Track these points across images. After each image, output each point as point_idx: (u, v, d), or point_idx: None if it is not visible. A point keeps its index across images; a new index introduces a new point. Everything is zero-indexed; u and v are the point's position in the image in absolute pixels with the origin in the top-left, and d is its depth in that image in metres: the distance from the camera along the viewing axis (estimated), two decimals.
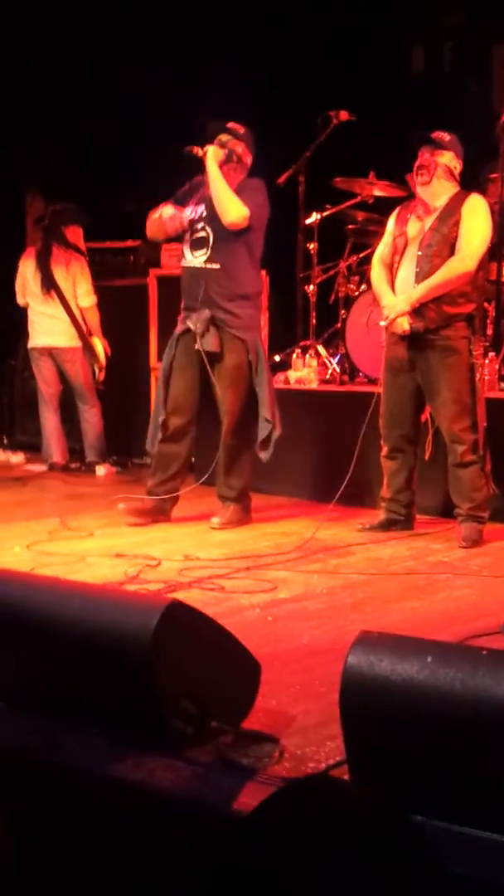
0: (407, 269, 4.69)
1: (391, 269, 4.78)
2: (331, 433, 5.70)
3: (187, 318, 5.00)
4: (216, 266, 4.92)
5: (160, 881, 2.19)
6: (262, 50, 7.53)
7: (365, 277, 6.23)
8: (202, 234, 4.96)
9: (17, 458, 7.23)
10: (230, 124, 5.02)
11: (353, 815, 1.23)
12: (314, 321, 6.40)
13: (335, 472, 5.22)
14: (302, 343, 6.41)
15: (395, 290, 4.73)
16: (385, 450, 4.90)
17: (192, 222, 5.01)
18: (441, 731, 1.97)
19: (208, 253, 4.93)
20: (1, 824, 1.08)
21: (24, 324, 6.97)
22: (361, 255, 6.38)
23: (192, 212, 5.02)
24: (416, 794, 2.01)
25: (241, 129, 5.03)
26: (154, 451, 5.13)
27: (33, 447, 7.20)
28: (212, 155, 4.89)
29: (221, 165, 4.90)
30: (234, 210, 4.83)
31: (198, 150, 4.92)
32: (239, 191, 4.90)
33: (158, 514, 5.11)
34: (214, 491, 5.22)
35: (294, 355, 6.29)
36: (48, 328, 6.77)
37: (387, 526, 4.91)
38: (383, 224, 5.20)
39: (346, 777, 2.19)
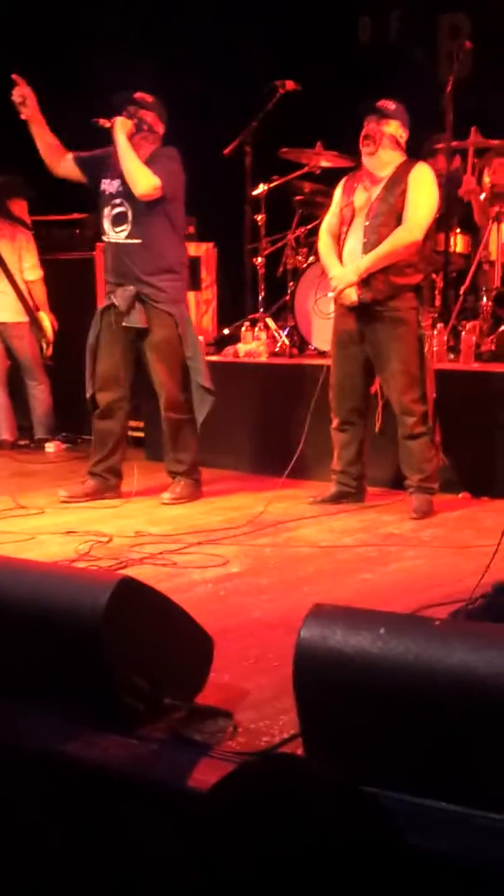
0: (354, 240, 4.67)
1: (338, 240, 4.76)
2: (280, 406, 5.68)
3: (111, 294, 4.97)
4: (137, 241, 4.87)
5: (116, 860, 2.17)
6: (207, 18, 7.43)
7: (313, 249, 6.19)
8: (121, 208, 4.90)
9: None
10: (137, 94, 4.94)
11: (311, 793, 1.23)
12: (263, 293, 6.37)
13: (285, 446, 5.22)
14: (251, 316, 6.38)
15: (342, 260, 4.72)
16: (335, 422, 4.89)
17: (111, 196, 4.95)
18: (394, 703, 1.97)
19: (128, 228, 4.88)
20: None
21: None
22: (309, 227, 6.33)
23: (108, 185, 4.96)
24: (371, 766, 2.01)
25: (149, 99, 4.96)
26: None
27: None
28: (119, 126, 4.82)
29: (131, 136, 4.83)
30: (143, 181, 4.78)
31: (104, 122, 4.87)
32: (151, 160, 4.84)
33: (105, 491, 5.08)
34: (164, 466, 5.20)
35: (243, 328, 6.25)
36: None
37: (338, 498, 4.91)
38: (331, 195, 5.17)
39: (299, 750, 2.19)
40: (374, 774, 2.00)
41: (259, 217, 6.37)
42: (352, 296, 4.64)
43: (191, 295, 6.81)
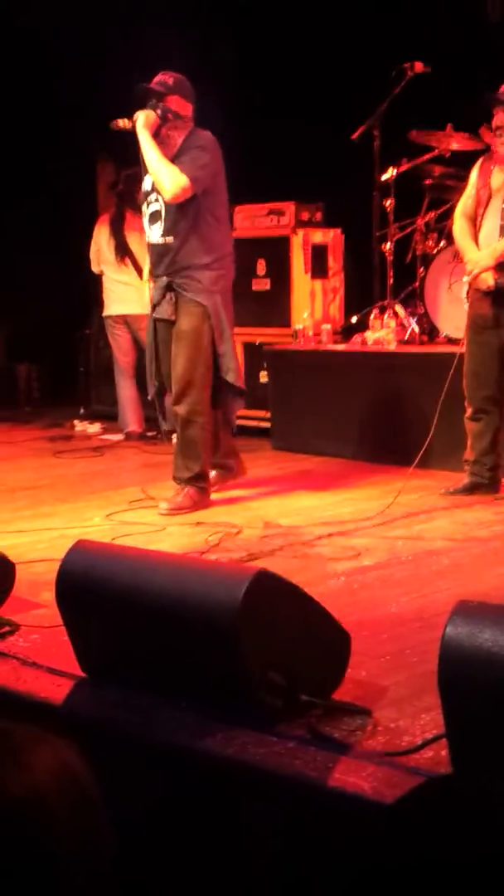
0: (491, 223, 4.54)
1: (474, 223, 4.63)
2: (410, 395, 5.57)
3: (152, 289, 4.79)
4: (171, 239, 4.59)
5: (253, 857, 2.13)
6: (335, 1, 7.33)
7: (444, 234, 6.05)
8: (155, 206, 4.64)
9: (93, 427, 7.21)
10: (156, 81, 4.58)
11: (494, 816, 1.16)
12: (391, 280, 6.25)
13: (416, 435, 5.11)
14: (379, 303, 6.27)
15: (478, 244, 4.58)
16: (469, 411, 4.76)
17: (147, 194, 4.70)
18: None
19: (163, 225, 4.62)
20: (101, 810, 1.02)
21: (99, 293, 6.92)
22: (439, 211, 6.19)
23: (145, 182, 4.72)
24: None
25: (170, 80, 4.58)
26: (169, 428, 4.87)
27: (110, 416, 7.18)
28: (141, 123, 4.50)
29: (158, 130, 4.53)
30: (171, 184, 4.46)
31: (125, 123, 4.58)
32: (182, 152, 4.53)
33: (227, 479, 4.94)
34: (293, 456, 5.13)
35: (371, 316, 6.16)
36: (123, 296, 6.71)
37: (471, 489, 4.78)
38: (462, 178, 5.03)
39: (443, 752, 2.11)
40: None
41: (388, 202, 6.24)
42: (488, 280, 4.51)
43: (317, 283, 6.76)
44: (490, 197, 4.56)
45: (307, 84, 7.33)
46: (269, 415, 6.37)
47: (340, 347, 6.27)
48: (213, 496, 4.86)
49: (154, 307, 4.75)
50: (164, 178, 4.49)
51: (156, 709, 2.37)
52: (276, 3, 7.54)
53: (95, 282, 6.97)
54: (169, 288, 4.61)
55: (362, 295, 6.73)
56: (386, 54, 6.46)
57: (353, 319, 6.49)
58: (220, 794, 2.20)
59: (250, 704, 2.30)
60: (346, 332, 6.49)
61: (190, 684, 2.41)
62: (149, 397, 4.90)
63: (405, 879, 1.10)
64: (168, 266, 4.62)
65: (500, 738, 1.92)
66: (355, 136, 6.15)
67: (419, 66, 6.20)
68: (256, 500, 4.88)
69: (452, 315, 5.69)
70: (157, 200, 4.63)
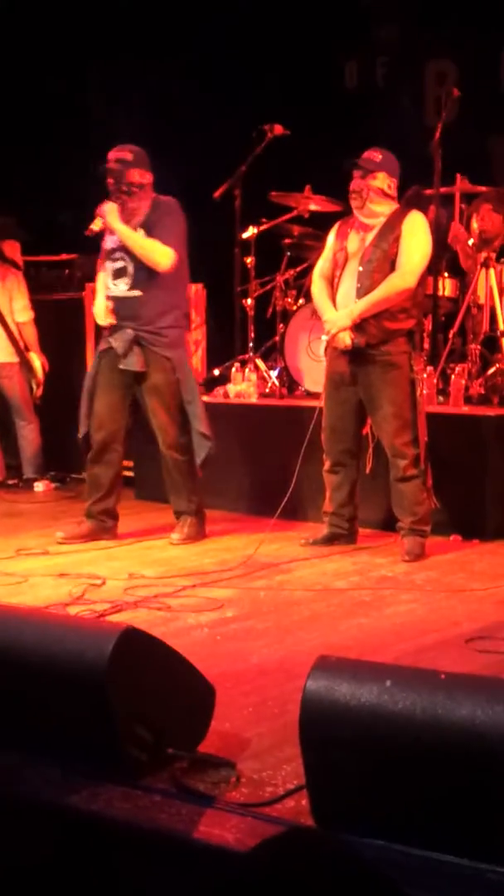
0: (348, 284, 4.72)
1: (332, 284, 4.80)
2: (271, 447, 5.70)
3: (110, 336, 4.97)
4: (138, 293, 4.89)
5: None
6: (194, 61, 7.53)
7: (302, 291, 6.26)
8: (121, 263, 4.91)
9: None
10: (114, 156, 4.84)
11: (329, 869, 1.24)
12: (252, 335, 6.41)
13: (276, 487, 5.22)
14: (240, 357, 6.42)
15: (336, 304, 4.76)
16: (327, 464, 4.92)
17: (111, 252, 4.96)
18: (401, 756, 1.98)
19: (129, 281, 4.90)
20: None
21: None
22: (298, 269, 6.40)
23: (108, 242, 4.97)
24: (378, 819, 2.02)
25: (129, 155, 4.86)
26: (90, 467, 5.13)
27: None
28: (112, 216, 4.82)
29: (124, 208, 4.83)
30: (161, 259, 4.82)
31: (94, 229, 4.87)
32: (153, 221, 4.84)
33: (101, 533, 5.08)
34: (157, 505, 5.20)
35: (233, 369, 6.28)
36: None
37: (330, 540, 4.93)
38: (319, 238, 5.23)
39: (304, 801, 2.19)
40: (380, 827, 2.01)
41: (248, 259, 6.42)
42: (345, 340, 4.68)
43: None
44: (347, 259, 4.75)
45: (171, 143, 7.49)
46: (132, 464, 6.40)
47: (203, 399, 6.36)
48: (79, 548, 4.89)
49: (105, 350, 4.99)
50: (154, 256, 4.83)
51: (20, 765, 2.39)
52: (149, 60, 7.70)
53: None
54: (136, 342, 4.89)
55: (224, 348, 6.88)
56: (248, 116, 6.66)
57: (216, 372, 6.61)
58: (90, 849, 2.23)
59: (117, 759, 2.34)
60: (209, 384, 6.60)
61: (57, 741, 2.43)
62: (78, 436, 5.08)
63: None
64: (134, 318, 4.90)
65: (355, 788, 2.02)
66: (217, 194, 6.30)
67: (278, 129, 6.41)
68: (120, 550, 4.91)
69: (311, 370, 5.88)
70: (121, 258, 4.90)
